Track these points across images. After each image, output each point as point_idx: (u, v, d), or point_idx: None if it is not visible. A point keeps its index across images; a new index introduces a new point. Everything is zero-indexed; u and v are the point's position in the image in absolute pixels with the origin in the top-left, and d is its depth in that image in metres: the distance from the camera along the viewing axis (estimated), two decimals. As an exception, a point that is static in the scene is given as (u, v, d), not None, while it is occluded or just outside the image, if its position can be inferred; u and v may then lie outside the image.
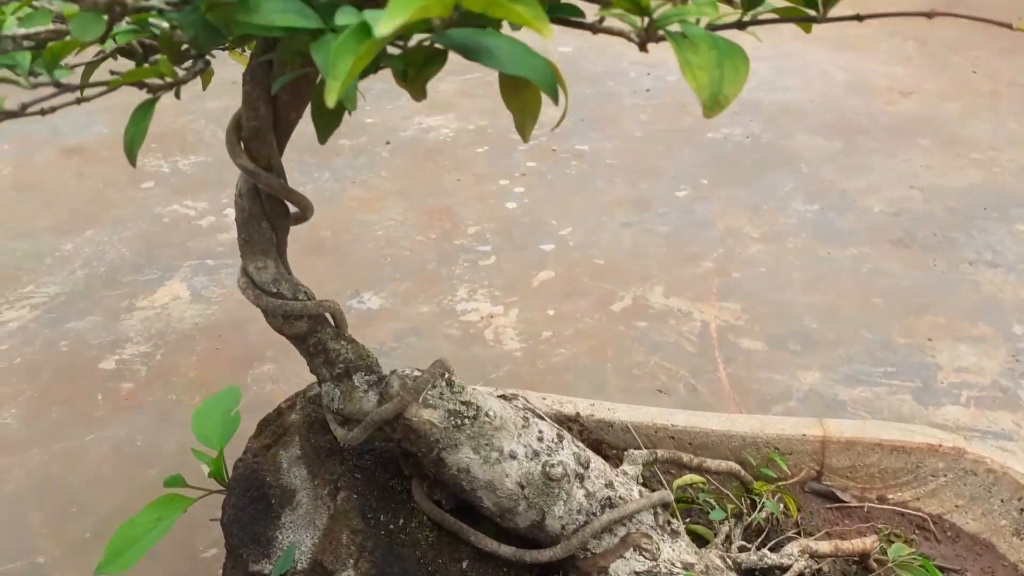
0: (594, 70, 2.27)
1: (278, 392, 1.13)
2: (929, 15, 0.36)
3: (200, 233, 1.49)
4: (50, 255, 1.42)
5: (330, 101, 0.32)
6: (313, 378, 1.04)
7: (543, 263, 1.43)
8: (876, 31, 2.60)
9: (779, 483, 0.89)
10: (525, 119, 0.47)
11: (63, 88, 0.38)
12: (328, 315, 0.65)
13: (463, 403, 0.63)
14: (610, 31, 0.39)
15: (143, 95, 0.44)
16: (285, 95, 0.55)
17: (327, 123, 0.45)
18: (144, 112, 0.41)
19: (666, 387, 1.14)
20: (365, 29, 0.32)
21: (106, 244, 1.45)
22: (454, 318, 1.29)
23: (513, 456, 0.63)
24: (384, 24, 0.27)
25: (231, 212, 1.55)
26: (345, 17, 0.35)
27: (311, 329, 0.63)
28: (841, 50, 2.44)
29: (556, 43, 2.41)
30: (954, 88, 2.16)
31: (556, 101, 0.37)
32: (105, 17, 0.32)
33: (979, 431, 1.08)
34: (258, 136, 0.56)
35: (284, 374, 1.16)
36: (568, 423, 0.93)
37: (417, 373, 0.65)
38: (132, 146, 0.40)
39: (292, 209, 0.62)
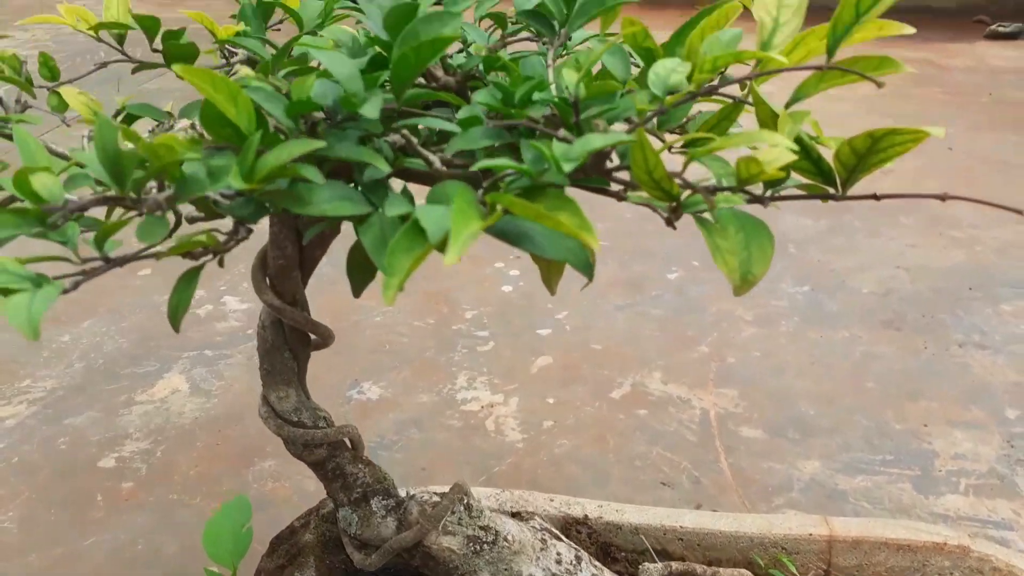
0: (583, 148, 2.32)
1: (279, 489, 1.13)
2: (942, 198, 0.38)
3: (198, 323, 1.49)
4: (47, 347, 1.42)
5: (388, 300, 0.33)
6: (313, 480, 1.03)
7: (541, 348, 1.44)
8: (854, 108, 2.68)
9: (787, 585, 0.89)
10: (552, 275, 0.49)
11: (112, 262, 0.40)
12: (347, 440, 0.65)
13: (482, 528, 0.64)
14: (636, 202, 0.41)
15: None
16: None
17: (362, 279, 0.47)
18: (189, 280, 0.42)
19: (669, 479, 1.15)
20: (418, 229, 0.34)
21: (104, 335, 1.45)
22: (454, 407, 1.29)
23: (532, 581, 0.63)
24: (450, 256, 0.28)
25: (229, 300, 1.56)
26: (396, 208, 0.37)
27: (330, 455, 0.64)
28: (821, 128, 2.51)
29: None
30: (932, 166, 2.23)
31: (591, 279, 0.39)
32: (169, 220, 0.33)
33: (979, 521, 1.09)
34: (284, 273, 0.58)
35: (285, 471, 1.15)
36: (577, 526, 0.93)
37: (436, 498, 0.65)
38: (176, 313, 0.41)
39: (313, 337, 0.64)
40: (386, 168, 0.38)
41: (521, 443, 1.21)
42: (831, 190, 0.40)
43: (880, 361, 1.41)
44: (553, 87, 0.44)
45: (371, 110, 0.36)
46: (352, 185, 0.41)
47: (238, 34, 0.59)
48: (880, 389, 1.34)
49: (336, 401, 1.30)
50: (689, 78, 0.37)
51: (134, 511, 1.08)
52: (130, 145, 0.33)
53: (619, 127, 0.40)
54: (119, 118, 0.59)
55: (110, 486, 1.12)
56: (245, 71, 0.38)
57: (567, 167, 0.30)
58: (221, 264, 0.53)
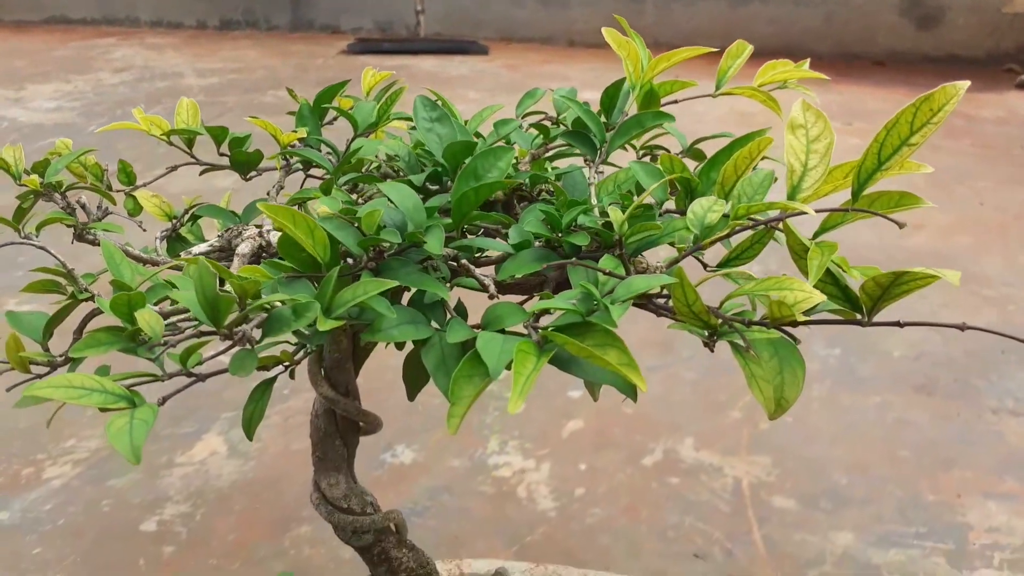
0: (612, 206, 2.35)
1: (316, 556, 1.14)
2: (962, 328, 0.40)
3: (235, 383, 1.53)
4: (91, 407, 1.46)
5: (453, 429, 0.36)
6: (348, 548, 1.05)
7: (572, 412, 1.46)
8: (882, 163, 2.69)
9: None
10: (594, 387, 0.51)
11: (195, 377, 0.43)
12: (392, 525, 0.67)
13: (521, 614, 0.65)
14: (676, 328, 0.43)
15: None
16: (364, 334, 0.59)
17: (417, 385, 0.50)
18: (262, 391, 0.45)
19: (702, 551, 1.15)
20: (479, 359, 0.36)
21: (145, 393, 1.49)
22: (486, 473, 1.31)
23: (571, 668, 0.65)
24: (513, 406, 0.31)
25: (266, 359, 1.59)
26: (456, 334, 0.39)
27: (376, 540, 0.66)
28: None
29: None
30: (963, 221, 2.23)
31: (635, 400, 0.41)
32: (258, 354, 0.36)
33: (1017, 598, 1.08)
34: (338, 365, 0.61)
35: (321, 536, 1.17)
36: (610, 601, 0.94)
37: (477, 584, 0.67)
38: (251, 424, 0.44)
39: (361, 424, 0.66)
40: (446, 295, 0.41)
41: (553, 511, 1.23)
42: (858, 316, 0.42)
43: (913, 428, 1.40)
44: (595, 208, 0.47)
45: (435, 244, 0.39)
46: (411, 299, 0.44)
47: (299, 140, 0.62)
48: (913, 458, 1.33)
49: (371, 465, 1.32)
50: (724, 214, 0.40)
51: (175, 576, 1.11)
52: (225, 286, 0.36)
53: (660, 251, 0.43)
54: (186, 216, 0.63)
55: (152, 550, 1.15)
56: (323, 210, 0.41)
57: (616, 313, 0.33)
58: (292, 376, 0.56)
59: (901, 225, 0.38)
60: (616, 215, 0.40)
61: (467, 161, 0.43)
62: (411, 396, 0.50)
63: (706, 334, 0.38)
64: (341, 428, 0.64)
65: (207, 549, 1.15)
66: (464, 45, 4.25)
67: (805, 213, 0.37)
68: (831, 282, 0.40)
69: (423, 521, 1.21)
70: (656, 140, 0.74)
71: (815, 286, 0.40)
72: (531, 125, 0.58)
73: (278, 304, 0.37)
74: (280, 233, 0.53)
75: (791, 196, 0.38)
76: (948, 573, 1.12)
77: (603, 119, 0.58)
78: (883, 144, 0.37)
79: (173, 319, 0.42)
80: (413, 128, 0.67)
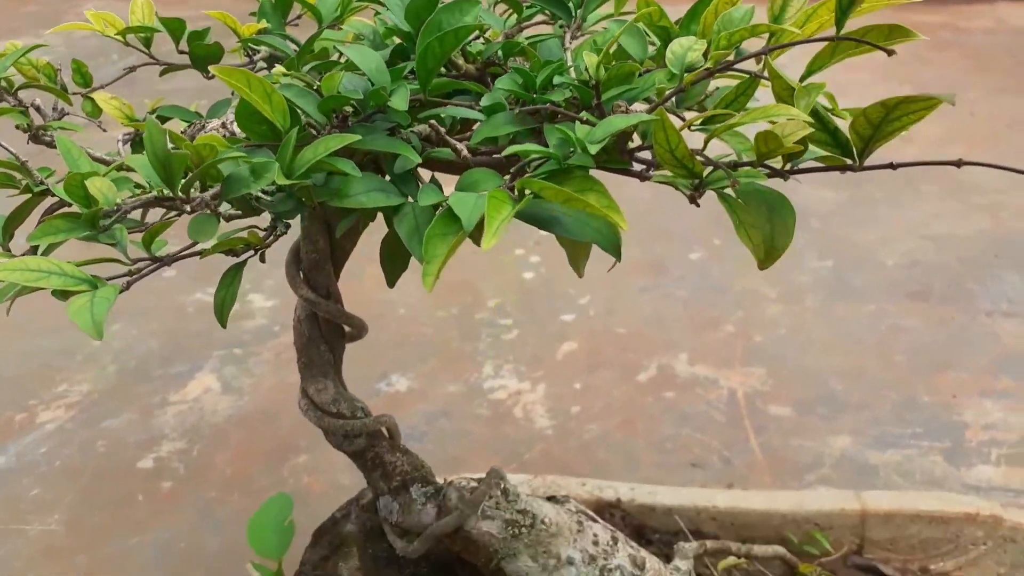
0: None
1: (315, 484, 1.14)
2: (958, 164, 0.39)
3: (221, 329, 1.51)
4: (79, 351, 1.44)
5: (428, 286, 0.34)
6: (347, 474, 1.04)
7: (565, 334, 1.45)
8: (870, 76, 2.65)
9: (822, 559, 0.89)
10: (579, 257, 0.49)
11: (159, 261, 0.41)
12: (384, 429, 0.66)
13: (519, 511, 0.65)
14: (660, 180, 0.41)
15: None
16: (341, 230, 0.57)
17: (396, 268, 0.48)
18: (233, 276, 0.43)
19: (700, 460, 1.15)
20: (452, 216, 0.34)
21: (134, 337, 1.48)
22: (482, 397, 1.30)
23: (571, 562, 0.64)
24: (487, 241, 0.29)
25: (254, 298, 1.58)
26: (429, 197, 0.37)
27: (369, 444, 0.65)
28: (837, 97, 2.48)
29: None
30: (954, 132, 2.20)
31: (619, 259, 0.39)
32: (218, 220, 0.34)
33: (1012, 491, 1.09)
34: (317, 267, 0.59)
35: (319, 465, 1.17)
36: (610, 509, 0.94)
37: (473, 484, 0.66)
38: (223, 309, 0.42)
39: (347, 328, 0.65)
40: (416, 159, 0.39)
41: (550, 430, 1.22)
42: (848, 161, 0.40)
43: (907, 334, 1.40)
44: (572, 70, 0.44)
45: (400, 102, 0.37)
46: (383, 176, 0.42)
47: (260, 32, 0.60)
48: (908, 362, 1.33)
49: (366, 394, 1.31)
50: (705, 55, 0.37)
51: (175, 511, 1.10)
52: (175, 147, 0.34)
53: (639, 107, 0.41)
54: (152, 115, 0.60)
55: (150, 486, 1.15)
56: (278, 70, 0.39)
57: (593, 149, 0.31)
58: (263, 260, 0.54)
59: (890, 52, 0.36)
60: (591, 59, 0.38)
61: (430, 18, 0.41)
62: (391, 282, 0.49)
63: (691, 184, 0.36)
64: (325, 332, 0.62)
65: (205, 482, 1.15)
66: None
67: (791, 44, 0.35)
68: (819, 127, 0.39)
69: (422, 446, 1.21)
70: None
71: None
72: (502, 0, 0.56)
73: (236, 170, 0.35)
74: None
75: (777, 19, 0.36)
76: (945, 470, 1.13)
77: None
78: (871, -38, 0.35)
79: (130, 200, 0.40)
80: (381, 19, 0.64)
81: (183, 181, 0.34)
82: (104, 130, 0.57)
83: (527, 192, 0.34)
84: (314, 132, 0.40)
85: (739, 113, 0.34)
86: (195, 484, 1.15)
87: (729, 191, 0.37)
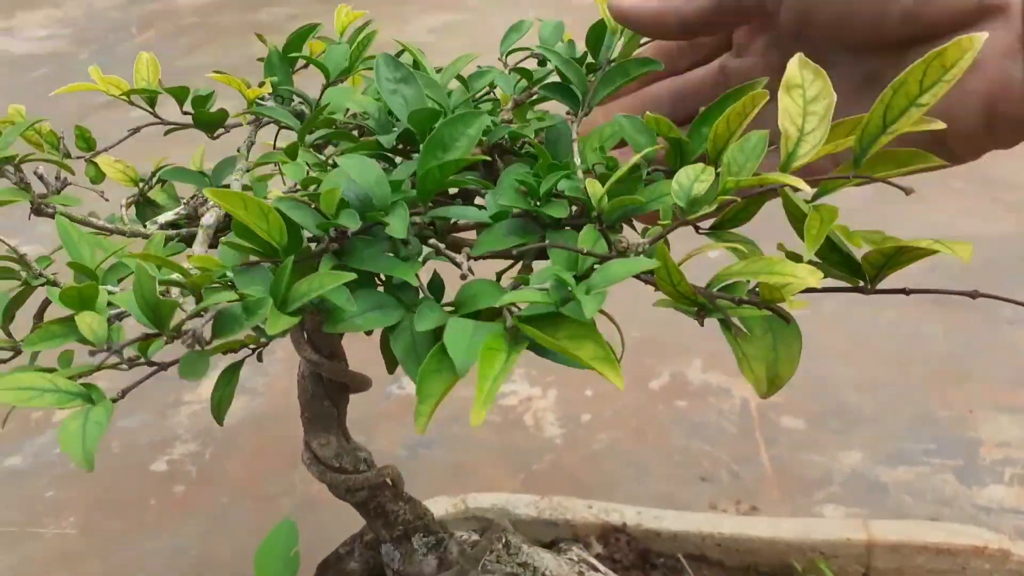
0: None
1: (324, 491, 1.15)
2: (972, 295, 0.38)
3: (240, 316, 1.52)
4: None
5: (420, 428, 0.34)
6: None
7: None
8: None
9: (828, 590, 0.90)
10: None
11: (159, 367, 0.41)
12: (388, 479, 0.66)
13: (520, 564, 0.65)
14: (662, 305, 0.41)
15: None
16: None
17: (394, 360, 0.47)
18: (229, 377, 0.43)
19: (709, 474, 1.15)
20: (447, 351, 0.34)
21: (109, 379, 1.49)
22: (493, 402, 1.30)
23: (572, 617, 0.65)
24: (475, 417, 0.29)
25: (269, 291, 1.58)
26: (425, 321, 0.37)
27: (371, 496, 0.66)
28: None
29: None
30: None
31: (620, 386, 0.39)
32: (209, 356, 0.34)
33: (1022, 513, 1.08)
34: (320, 328, 0.59)
35: (331, 470, 1.18)
36: (615, 533, 0.94)
37: (475, 537, 0.66)
38: (220, 408, 0.42)
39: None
40: (414, 281, 0.38)
41: (560, 439, 1.23)
42: (861, 283, 0.39)
43: (926, 342, 1.38)
44: (579, 170, 0.43)
45: (399, 227, 0.36)
46: (380, 279, 0.42)
47: (268, 89, 0.58)
48: (925, 373, 1.32)
49: (378, 396, 1.32)
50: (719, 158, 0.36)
51: (187, 516, 1.12)
52: (170, 281, 0.33)
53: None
54: (153, 179, 0.60)
55: (163, 490, 1.16)
56: (275, 193, 0.38)
57: (590, 309, 0.30)
58: (260, 359, 0.53)
59: (908, 192, 0.35)
60: (594, 189, 0.37)
61: (435, 127, 0.40)
62: (390, 369, 0.48)
63: (695, 310, 0.36)
64: (328, 389, 0.62)
65: (218, 487, 1.17)
66: (462, -54, 4.06)
67: (803, 183, 0.34)
68: (832, 248, 0.37)
69: (431, 452, 1.22)
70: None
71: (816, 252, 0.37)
72: (512, 69, 0.54)
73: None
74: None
75: (785, 165, 0.34)
76: (957, 490, 1.12)
77: (592, 59, 0.54)
78: (889, 105, 0.33)
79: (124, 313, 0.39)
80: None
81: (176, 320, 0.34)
82: (106, 199, 0.56)
83: (522, 336, 0.33)
84: (314, 246, 0.39)
85: (741, 257, 0.33)
86: (207, 489, 1.17)
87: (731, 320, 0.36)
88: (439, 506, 0.97)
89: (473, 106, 0.55)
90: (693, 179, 0.35)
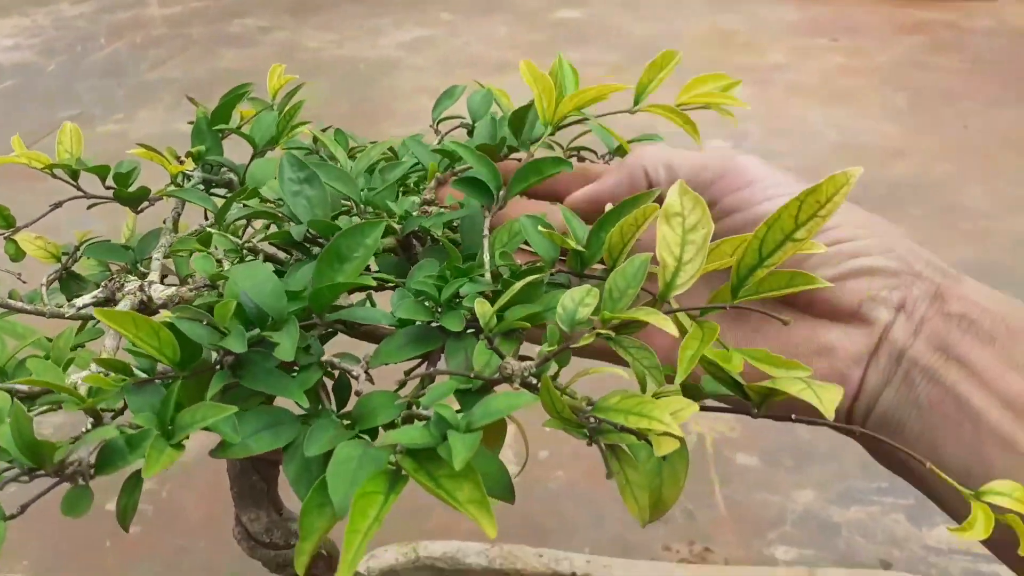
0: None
1: (281, 532, 1.15)
2: (854, 434, 0.38)
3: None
4: (55, 379, 1.45)
5: (299, 568, 0.34)
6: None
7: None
8: (868, 81, 2.62)
9: (772, 639, 0.90)
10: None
11: (60, 476, 0.41)
12: (323, 551, 0.67)
13: (453, 633, 0.65)
14: (551, 426, 0.41)
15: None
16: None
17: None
18: (133, 486, 0.43)
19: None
20: (326, 497, 0.34)
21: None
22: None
23: None
24: (342, 574, 0.29)
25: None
26: (316, 445, 0.37)
27: (305, 570, 0.65)
28: (833, 105, 2.45)
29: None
30: (946, 147, 2.18)
31: (512, 502, 0.39)
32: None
33: (972, 555, 1.09)
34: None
35: (286, 510, 1.18)
36: (564, 583, 0.95)
37: (407, 607, 0.67)
38: (125, 516, 0.42)
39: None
40: (304, 402, 0.38)
41: (516, 478, 1.23)
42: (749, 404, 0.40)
43: (881, 376, 1.40)
44: (487, 270, 0.44)
45: (286, 350, 0.37)
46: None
47: (190, 165, 0.59)
48: (879, 408, 1.33)
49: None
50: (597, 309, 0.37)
51: (143, 559, 1.12)
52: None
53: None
54: (79, 252, 0.60)
55: (119, 530, 1.15)
56: (166, 315, 0.38)
57: (459, 460, 0.31)
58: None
59: (786, 322, 0.36)
60: (483, 309, 0.37)
61: (332, 237, 0.40)
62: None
63: (583, 433, 0.36)
64: (257, 464, 0.62)
65: (173, 528, 1.16)
66: (439, -39, 4.07)
67: (679, 310, 0.34)
68: (716, 369, 0.38)
69: (388, 491, 1.22)
70: (583, 139, 0.70)
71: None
72: (434, 149, 0.55)
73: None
74: (164, 288, 0.50)
75: (664, 294, 0.35)
76: (908, 530, 1.13)
77: (513, 141, 0.55)
78: (764, 240, 0.34)
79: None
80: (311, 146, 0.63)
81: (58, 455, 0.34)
82: (23, 282, 0.56)
83: (403, 472, 0.34)
84: (212, 359, 0.40)
85: (620, 402, 0.33)
86: (164, 529, 1.16)
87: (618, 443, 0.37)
88: (389, 555, 0.98)
89: (398, 185, 0.56)
90: (578, 302, 0.36)
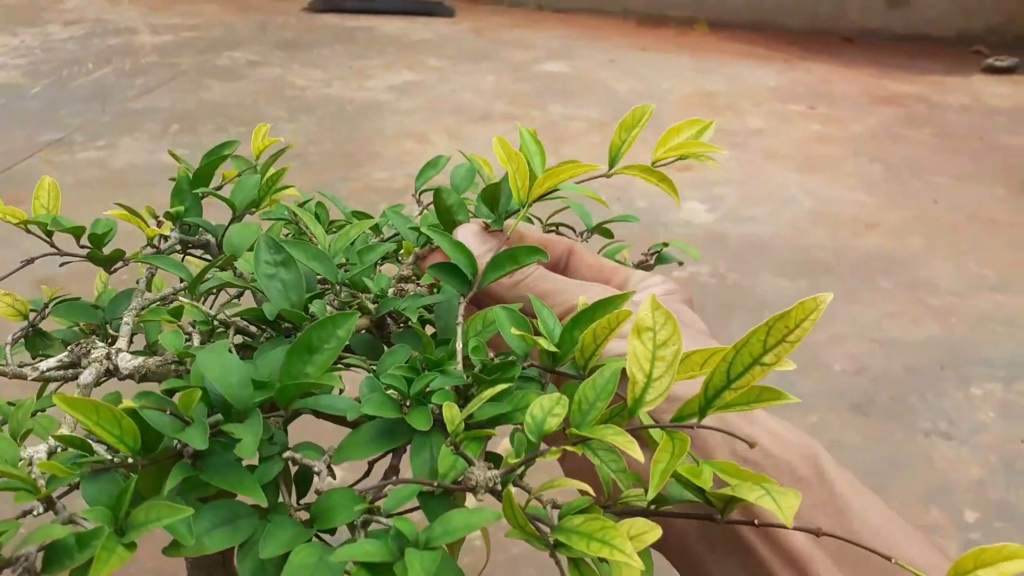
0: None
1: None
2: (817, 533, 0.38)
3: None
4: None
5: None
6: None
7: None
8: (843, 150, 2.67)
9: None
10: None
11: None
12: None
13: None
14: (512, 537, 0.40)
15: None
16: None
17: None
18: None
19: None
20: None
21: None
22: (416, 493, 1.29)
23: None
24: None
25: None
26: (272, 544, 0.36)
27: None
28: (808, 172, 2.50)
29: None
30: (916, 221, 2.22)
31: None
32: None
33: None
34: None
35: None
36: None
37: None
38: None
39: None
40: (264, 502, 0.38)
41: (479, 540, 1.21)
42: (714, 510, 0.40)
43: (846, 451, 1.41)
44: (458, 360, 0.43)
45: (248, 448, 0.36)
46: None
47: (168, 229, 0.58)
48: (843, 483, 1.33)
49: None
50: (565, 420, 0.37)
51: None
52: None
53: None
54: (47, 309, 0.59)
55: None
56: (127, 403, 0.38)
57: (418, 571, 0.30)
58: None
59: (752, 445, 0.36)
60: (451, 414, 0.37)
61: (303, 330, 0.40)
62: None
63: (544, 544, 0.36)
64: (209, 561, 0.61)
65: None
66: (430, 6, 4.14)
67: (652, 427, 0.34)
68: (684, 480, 0.38)
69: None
70: (562, 215, 0.71)
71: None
72: (412, 228, 0.55)
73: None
74: (131, 358, 0.50)
75: (633, 410, 0.35)
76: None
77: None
78: (732, 363, 0.34)
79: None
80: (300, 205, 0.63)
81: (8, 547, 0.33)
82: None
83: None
84: (173, 445, 0.39)
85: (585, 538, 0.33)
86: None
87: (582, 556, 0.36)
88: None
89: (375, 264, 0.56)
90: (546, 412, 0.36)
